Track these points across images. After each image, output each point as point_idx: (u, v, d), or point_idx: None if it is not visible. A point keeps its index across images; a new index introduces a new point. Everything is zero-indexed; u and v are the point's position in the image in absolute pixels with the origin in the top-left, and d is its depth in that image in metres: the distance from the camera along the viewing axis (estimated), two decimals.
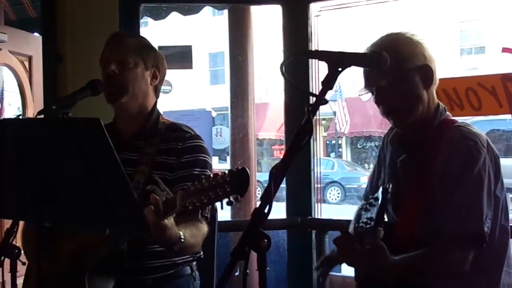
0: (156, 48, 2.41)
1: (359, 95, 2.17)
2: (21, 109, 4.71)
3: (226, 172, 1.65)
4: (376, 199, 1.94)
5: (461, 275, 1.92)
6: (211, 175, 1.69)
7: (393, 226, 2.09)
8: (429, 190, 1.98)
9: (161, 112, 2.38)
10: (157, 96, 2.37)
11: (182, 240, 1.95)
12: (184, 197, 1.73)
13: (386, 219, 2.23)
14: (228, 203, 1.65)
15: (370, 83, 2.06)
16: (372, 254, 1.86)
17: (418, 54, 2.04)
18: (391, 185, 2.14)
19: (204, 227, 2.16)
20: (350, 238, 1.96)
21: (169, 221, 1.85)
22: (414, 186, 2.06)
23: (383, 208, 1.86)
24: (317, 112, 1.66)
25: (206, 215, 2.08)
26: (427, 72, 2.04)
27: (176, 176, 2.17)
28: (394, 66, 1.87)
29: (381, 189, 1.96)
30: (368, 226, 1.89)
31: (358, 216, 2.04)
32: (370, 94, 2.08)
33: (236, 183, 1.62)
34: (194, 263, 2.31)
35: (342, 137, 21.59)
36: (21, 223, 2.01)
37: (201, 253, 2.33)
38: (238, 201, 1.63)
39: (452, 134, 2.02)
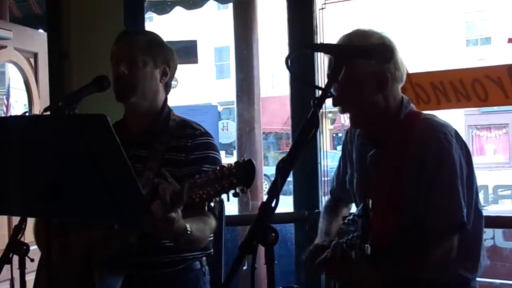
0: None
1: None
2: (27, 106, 4.71)
3: (232, 164, 1.64)
4: (358, 215, 1.89)
5: (447, 263, 1.94)
6: (217, 168, 1.68)
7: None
8: (401, 184, 1.97)
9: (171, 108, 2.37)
10: (167, 92, 2.36)
11: (189, 232, 1.94)
12: (191, 190, 1.73)
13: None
14: (235, 195, 1.64)
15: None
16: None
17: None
18: (362, 178, 2.13)
19: (212, 222, 2.17)
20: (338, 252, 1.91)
21: (177, 214, 1.85)
22: (385, 180, 2.03)
23: (367, 225, 1.80)
24: (323, 105, 1.66)
25: (213, 208, 2.08)
26: (380, 77, 1.97)
27: (186, 172, 2.16)
28: (346, 71, 1.72)
29: (361, 205, 1.92)
30: (355, 241, 1.86)
31: (341, 231, 2.00)
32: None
33: (242, 174, 1.61)
34: (204, 258, 2.31)
35: None
36: (30, 219, 2.01)
37: (212, 250, 2.33)
38: (245, 193, 1.63)
39: (421, 127, 2.00)
